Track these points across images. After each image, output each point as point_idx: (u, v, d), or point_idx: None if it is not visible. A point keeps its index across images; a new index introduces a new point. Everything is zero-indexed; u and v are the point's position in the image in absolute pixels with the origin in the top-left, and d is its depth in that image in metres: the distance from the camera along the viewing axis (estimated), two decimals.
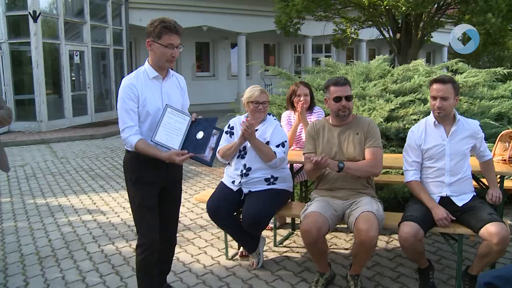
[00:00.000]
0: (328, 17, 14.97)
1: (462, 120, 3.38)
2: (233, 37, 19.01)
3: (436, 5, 13.50)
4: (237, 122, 3.91)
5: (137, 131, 2.84)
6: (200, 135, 2.86)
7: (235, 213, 3.84)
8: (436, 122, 3.36)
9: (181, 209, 5.63)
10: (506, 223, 3.20)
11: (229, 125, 3.95)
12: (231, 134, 3.89)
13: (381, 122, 5.01)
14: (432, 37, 15.03)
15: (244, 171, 3.74)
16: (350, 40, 15.87)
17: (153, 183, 2.95)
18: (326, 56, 21.64)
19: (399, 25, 14.39)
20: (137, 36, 17.44)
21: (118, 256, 4.22)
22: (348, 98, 3.43)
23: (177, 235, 3.33)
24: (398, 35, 14.32)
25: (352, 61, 7.45)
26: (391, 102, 5.53)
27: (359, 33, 16.06)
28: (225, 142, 3.87)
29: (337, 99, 3.44)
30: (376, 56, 7.22)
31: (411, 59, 10.52)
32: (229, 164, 3.91)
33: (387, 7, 12.57)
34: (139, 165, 2.91)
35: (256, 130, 3.76)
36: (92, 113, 14.59)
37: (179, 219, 5.24)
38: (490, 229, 2.99)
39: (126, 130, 2.83)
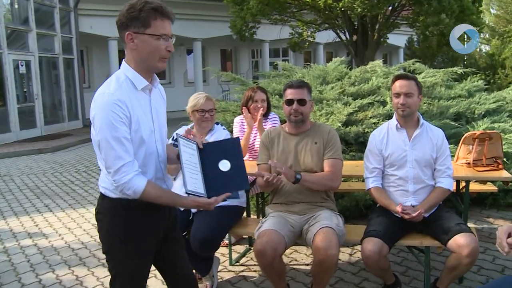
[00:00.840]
0: (284, 20, 14.83)
1: (426, 125, 3.15)
2: (189, 43, 18.59)
3: (391, 7, 13.56)
4: (182, 133, 3.56)
5: (139, 169, 2.03)
6: (225, 166, 2.18)
7: (184, 233, 3.49)
8: (399, 125, 3.12)
9: None
10: (475, 233, 2.98)
11: (173, 137, 3.59)
12: (175, 146, 3.54)
13: (340, 127, 4.76)
14: (388, 38, 15.12)
15: None
16: (307, 43, 15.77)
17: (152, 237, 2.18)
18: (283, 60, 21.48)
19: (355, 27, 14.39)
20: (89, 44, 16.84)
21: (58, 286, 3.80)
22: (302, 101, 3.14)
23: None
24: (354, 37, 14.32)
25: (309, 64, 7.25)
26: (349, 105, 5.32)
27: (316, 36, 15.99)
28: None
29: (289, 102, 3.16)
30: (333, 59, 7.05)
31: (368, 60, 10.45)
32: (174, 179, 3.56)
33: (342, 9, 12.52)
34: (131, 215, 2.09)
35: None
36: (42, 126, 13.87)
37: None
38: (459, 241, 2.76)
39: (124, 169, 1.97)
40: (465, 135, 3.71)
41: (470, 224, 4.80)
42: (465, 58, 17.77)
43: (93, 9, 15.27)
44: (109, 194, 2.11)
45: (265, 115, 4.31)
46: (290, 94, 3.17)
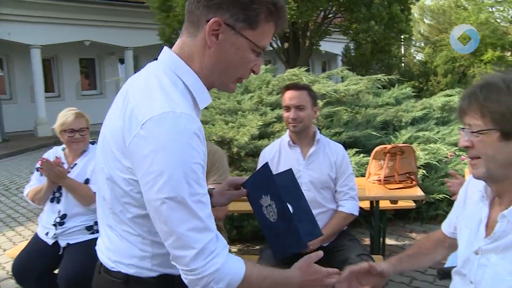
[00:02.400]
0: None
1: (324, 141, 2.76)
2: (120, 52, 17.82)
3: (322, 14, 13.46)
4: (53, 155, 3.04)
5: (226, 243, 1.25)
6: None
7: (55, 272, 2.96)
8: (291, 142, 2.73)
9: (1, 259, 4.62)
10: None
11: (43, 160, 3.06)
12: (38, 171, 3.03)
13: (247, 141, 4.36)
14: (320, 45, 15.01)
15: (59, 220, 2.87)
16: None
17: None
18: None
19: (287, 34, 14.18)
20: (9, 52, 15.69)
21: None
22: None
23: None
24: (286, 45, 14.10)
25: None
26: (266, 116, 4.99)
27: None
28: (37, 182, 3.00)
29: None
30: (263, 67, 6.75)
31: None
32: (42, 209, 3.04)
33: None
34: None
35: (75, 164, 2.94)
36: None
37: None
38: None
39: (212, 247, 1.16)
40: (376, 149, 3.40)
41: (391, 241, 4.55)
42: (401, 66, 18.08)
43: (13, 14, 14.18)
44: (147, 274, 1.29)
45: None
46: None
